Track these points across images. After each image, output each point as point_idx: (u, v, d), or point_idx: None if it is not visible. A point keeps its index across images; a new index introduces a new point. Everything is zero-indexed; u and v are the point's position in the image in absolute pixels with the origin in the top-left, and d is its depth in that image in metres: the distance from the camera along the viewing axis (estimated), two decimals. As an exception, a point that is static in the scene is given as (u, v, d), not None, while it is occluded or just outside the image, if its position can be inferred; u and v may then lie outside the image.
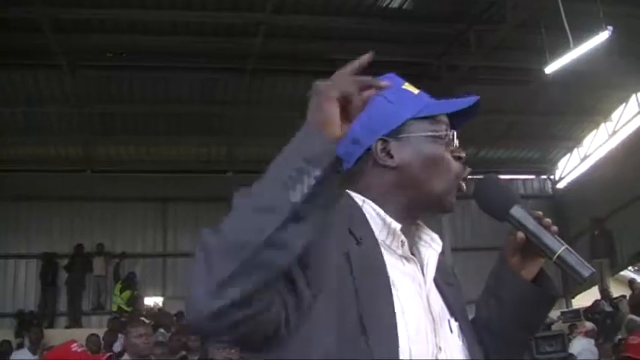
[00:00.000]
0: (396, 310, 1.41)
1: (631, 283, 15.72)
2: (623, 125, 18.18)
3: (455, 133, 1.65)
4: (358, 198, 1.57)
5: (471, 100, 1.64)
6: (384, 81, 1.44)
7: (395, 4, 13.07)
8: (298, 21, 13.43)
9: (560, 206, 20.45)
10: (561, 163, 20.94)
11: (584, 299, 16.71)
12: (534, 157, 20.63)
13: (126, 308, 15.84)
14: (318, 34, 13.93)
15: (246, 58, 14.27)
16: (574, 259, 1.50)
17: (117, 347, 11.17)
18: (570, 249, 1.51)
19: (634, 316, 12.52)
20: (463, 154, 1.65)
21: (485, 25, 13.51)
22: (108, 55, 14.27)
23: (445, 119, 1.64)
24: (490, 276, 1.72)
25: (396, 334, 1.38)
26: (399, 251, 1.53)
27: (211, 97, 15.89)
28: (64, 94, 15.14)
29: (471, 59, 14.11)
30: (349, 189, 1.60)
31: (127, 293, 16.33)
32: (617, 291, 16.37)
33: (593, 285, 16.49)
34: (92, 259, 16.88)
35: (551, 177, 21.26)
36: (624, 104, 18.05)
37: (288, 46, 14.06)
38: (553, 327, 12.91)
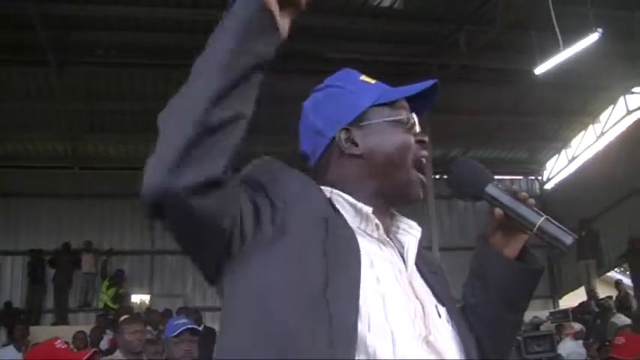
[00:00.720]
0: (373, 290, 1.38)
1: (617, 284, 15.81)
2: (611, 127, 18.29)
3: (416, 117, 1.65)
4: (326, 190, 1.55)
5: (428, 83, 1.67)
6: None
7: (386, 4, 13.08)
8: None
9: (547, 207, 20.48)
10: (549, 164, 21.04)
11: (571, 300, 16.79)
12: (522, 157, 20.71)
13: (112, 305, 15.80)
14: (309, 32, 13.92)
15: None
16: (554, 229, 1.48)
17: (103, 344, 11.15)
18: (550, 219, 1.50)
19: (620, 315, 12.62)
20: (425, 138, 1.64)
21: (475, 25, 13.55)
22: (97, 52, 14.20)
23: (405, 104, 1.65)
24: (473, 259, 1.71)
25: (357, 308, 1.32)
26: (375, 234, 1.51)
27: (201, 94, 15.84)
28: (51, 90, 15.05)
29: (461, 59, 14.15)
30: (319, 181, 1.59)
31: (112, 290, 16.30)
32: (603, 292, 16.46)
33: (580, 286, 16.59)
34: (80, 256, 16.81)
35: (539, 178, 21.34)
36: (612, 106, 18.16)
37: (279, 45, 14.02)
38: (541, 327, 12.97)
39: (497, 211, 1.58)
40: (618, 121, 18.06)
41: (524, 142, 19.67)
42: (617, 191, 16.79)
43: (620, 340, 5.65)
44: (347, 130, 1.60)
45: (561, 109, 17.71)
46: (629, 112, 17.74)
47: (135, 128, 16.89)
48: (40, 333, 12.37)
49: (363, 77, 1.69)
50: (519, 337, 11.01)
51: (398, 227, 1.63)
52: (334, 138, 1.60)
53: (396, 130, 1.60)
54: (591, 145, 19.04)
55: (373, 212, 1.51)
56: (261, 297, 1.33)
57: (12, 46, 13.41)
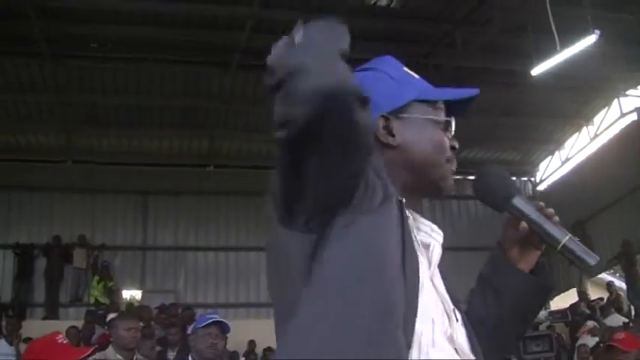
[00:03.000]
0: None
1: (609, 285, 15.85)
2: (605, 129, 18.31)
3: (453, 122, 1.64)
4: None
5: (472, 91, 1.64)
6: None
7: (382, 3, 13.08)
8: (285, 17, 13.39)
9: (540, 208, 20.57)
10: (542, 166, 21.06)
11: (562, 301, 16.79)
12: (516, 158, 20.72)
13: (103, 301, 15.76)
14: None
15: (231, 53, 14.23)
16: (579, 248, 1.49)
17: (94, 340, 11.12)
18: (574, 238, 1.51)
19: (616, 315, 12.70)
20: (456, 144, 1.64)
21: (472, 26, 13.54)
22: (92, 45, 14.16)
23: (443, 106, 1.63)
24: (486, 267, 1.70)
25: (417, 292, 1.34)
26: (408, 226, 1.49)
27: (195, 90, 15.82)
28: (45, 83, 15.01)
29: (456, 59, 14.15)
30: None
31: (104, 283, 16.28)
32: (594, 294, 16.51)
33: (571, 287, 16.62)
34: (72, 251, 16.75)
35: (532, 179, 21.37)
36: (606, 108, 18.18)
37: (275, 41, 13.96)
38: (540, 327, 13.02)
39: (523, 225, 1.58)
40: (612, 124, 18.08)
41: (518, 143, 19.68)
42: (611, 193, 16.84)
43: (620, 335, 5.74)
44: (386, 118, 1.56)
45: (555, 110, 17.72)
46: (623, 115, 17.77)
47: (129, 122, 16.86)
48: (31, 327, 12.32)
49: (406, 69, 1.67)
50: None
51: (419, 228, 1.57)
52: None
53: (435, 130, 1.60)
54: (585, 147, 19.06)
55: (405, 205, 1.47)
56: (373, 259, 1.30)
57: (5, 37, 13.34)
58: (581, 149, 19.20)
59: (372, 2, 13.04)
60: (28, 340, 10.94)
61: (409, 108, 1.58)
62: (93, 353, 3.88)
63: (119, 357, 5.42)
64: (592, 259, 1.47)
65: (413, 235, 1.48)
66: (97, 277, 16.40)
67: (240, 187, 16.81)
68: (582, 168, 18.80)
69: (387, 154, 1.55)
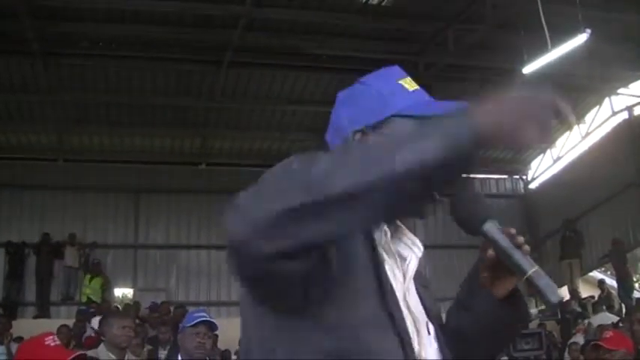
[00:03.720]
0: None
1: (600, 283, 15.91)
2: (596, 128, 18.36)
3: None
4: None
5: (458, 106, 1.48)
6: None
7: (374, 1, 13.07)
8: (277, 15, 13.39)
9: (531, 206, 20.62)
10: (534, 164, 21.10)
11: (554, 299, 16.85)
12: (507, 156, 20.75)
13: (95, 299, 15.73)
14: (296, 28, 13.90)
15: (223, 51, 14.20)
16: (543, 283, 1.43)
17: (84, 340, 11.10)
18: (541, 271, 1.44)
19: (606, 313, 12.74)
20: None
21: (464, 24, 13.56)
22: (83, 44, 14.11)
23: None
24: (462, 286, 1.67)
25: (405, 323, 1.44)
26: (382, 241, 1.51)
27: (187, 88, 15.79)
28: (37, 82, 14.95)
29: (448, 57, 14.16)
30: None
31: (97, 280, 16.24)
32: (585, 291, 16.56)
33: (563, 285, 16.65)
34: (63, 249, 16.70)
35: (524, 177, 21.41)
36: (598, 107, 18.23)
37: (267, 40, 14.01)
38: (530, 325, 13.05)
39: (490, 252, 1.52)
40: (603, 122, 18.14)
41: (509, 142, 19.68)
42: (602, 191, 16.89)
43: (608, 333, 5.76)
44: (363, 132, 1.55)
45: (547, 109, 17.75)
46: (614, 113, 17.82)
47: (121, 121, 16.82)
48: (22, 326, 12.28)
49: (404, 81, 1.62)
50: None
51: (400, 240, 1.58)
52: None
53: None
54: (576, 145, 19.11)
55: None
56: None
57: (-3, 36, 13.32)
58: (573, 148, 19.24)
59: (364, 0, 13.02)
60: (19, 339, 10.92)
61: (389, 123, 1.54)
62: (80, 357, 3.83)
63: (111, 356, 5.41)
64: (554, 297, 1.42)
65: (384, 253, 1.51)
66: (88, 276, 16.36)
67: (232, 185, 16.52)
68: (574, 166, 18.85)
69: None
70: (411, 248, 1.57)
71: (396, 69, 1.65)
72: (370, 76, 1.65)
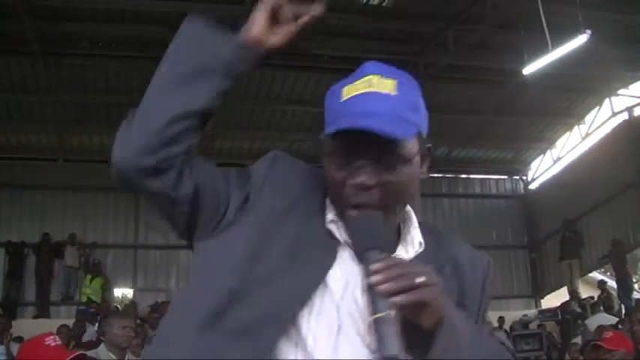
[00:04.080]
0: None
1: (601, 284, 15.90)
2: (596, 128, 18.38)
3: (353, 156, 1.44)
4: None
5: (367, 123, 1.40)
6: None
7: (375, 1, 13.07)
8: (277, 15, 13.39)
9: (531, 207, 20.63)
10: (534, 164, 21.11)
11: (553, 300, 16.86)
12: (507, 157, 20.77)
13: (95, 299, 15.74)
14: (296, 28, 13.90)
15: (223, 50, 14.19)
16: (385, 331, 1.28)
17: (85, 339, 11.10)
18: (391, 319, 1.29)
19: (603, 314, 12.73)
20: (358, 182, 1.43)
21: (464, 24, 13.56)
22: (83, 43, 14.11)
23: (344, 141, 1.43)
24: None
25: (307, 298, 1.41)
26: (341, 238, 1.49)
27: (187, 88, 15.78)
28: (37, 82, 14.95)
29: (448, 58, 14.16)
30: None
31: (97, 280, 16.27)
32: (586, 292, 16.56)
33: (563, 286, 16.67)
34: (63, 249, 16.72)
35: (524, 178, 21.41)
36: (598, 107, 18.24)
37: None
38: (530, 325, 13.08)
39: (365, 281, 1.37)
40: (603, 123, 18.15)
41: (509, 142, 19.72)
42: (602, 192, 16.90)
43: (608, 334, 5.75)
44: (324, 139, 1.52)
45: (547, 109, 17.77)
46: (614, 114, 17.84)
47: (121, 121, 16.74)
48: (22, 326, 12.28)
49: (349, 87, 1.50)
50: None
51: (404, 238, 1.57)
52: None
53: (330, 167, 1.48)
54: (576, 146, 19.12)
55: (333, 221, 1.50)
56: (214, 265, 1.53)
57: (-3, 36, 13.31)
58: (573, 148, 19.26)
59: (364, 1, 13.02)
60: (18, 339, 10.92)
61: (324, 143, 1.49)
62: (80, 358, 3.84)
63: (112, 356, 5.42)
64: (389, 349, 1.26)
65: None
66: (89, 276, 16.37)
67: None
68: (574, 167, 18.86)
69: None
70: (405, 247, 1.55)
71: (366, 67, 1.54)
72: (330, 90, 1.58)
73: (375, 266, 1.32)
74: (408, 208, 1.59)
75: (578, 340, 11.54)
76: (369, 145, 1.41)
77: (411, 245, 1.55)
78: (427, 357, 1.36)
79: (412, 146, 1.47)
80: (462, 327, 1.38)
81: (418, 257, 1.53)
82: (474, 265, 1.60)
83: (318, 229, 1.50)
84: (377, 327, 1.29)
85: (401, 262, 1.40)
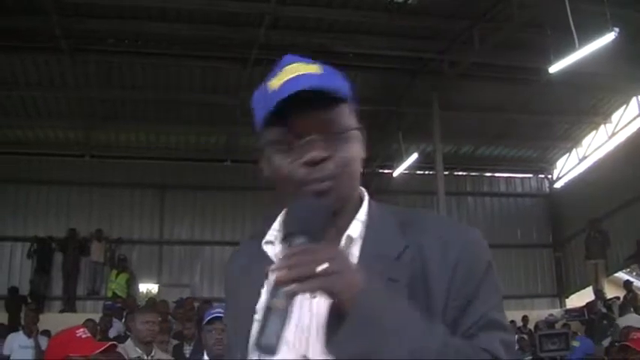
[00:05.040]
0: None
1: (627, 284, 15.76)
2: (623, 127, 18.19)
3: (298, 135, 1.40)
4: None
5: (300, 83, 1.37)
6: None
7: (400, -1, 13.05)
8: (303, 13, 13.43)
9: (556, 206, 20.51)
10: (559, 163, 20.97)
11: (578, 299, 16.75)
12: (533, 155, 20.66)
13: (120, 294, 15.89)
14: (322, 26, 13.93)
15: (249, 48, 14.25)
16: (270, 320, 1.23)
17: (112, 333, 11.23)
18: (282, 312, 1.23)
19: (633, 315, 12.63)
20: (309, 157, 1.38)
21: (490, 22, 13.50)
22: (110, 40, 14.23)
23: (285, 119, 1.40)
24: None
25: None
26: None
27: (213, 86, 15.88)
28: (64, 78, 15.11)
29: (473, 56, 14.10)
30: None
31: (123, 276, 16.43)
32: (611, 292, 16.43)
33: (588, 285, 16.54)
34: (89, 244, 16.89)
35: (549, 176, 21.29)
36: (625, 106, 18.06)
37: (292, 37, 14.05)
38: (556, 325, 13.01)
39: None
40: (630, 122, 17.96)
41: (534, 141, 19.62)
42: (628, 192, 16.73)
43: (636, 335, 5.70)
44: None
45: (573, 108, 17.64)
46: (641, 113, 17.67)
47: (147, 117, 16.95)
48: (49, 320, 12.44)
49: (274, 80, 1.44)
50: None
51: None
52: None
53: (275, 156, 1.42)
54: (602, 145, 18.96)
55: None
56: None
57: (25, 33, 13.45)
58: (599, 147, 19.10)
59: (390, -1, 13.02)
60: (45, 332, 11.07)
61: (262, 137, 1.45)
62: (111, 349, 3.92)
63: (138, 350, 5.50)
64: (263, 339, 1.22)
65: None
66: (115, 271, 16.54)
67: (257, 182, 16.86)
68: (599, 166, 18.70)
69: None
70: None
71: (285, 59, 1.49)
72: (257, 91, 1.51)
73: (289, 254, 1.27)
74: (363, 195, 1.52)
75: (608, 341, 11.47)
76: (312, 117, 1.38)
77: (350, 233, 1.45)
78: (326, 347, 1.29)
79: (351, 117, 1.45)
80: (381, 320, 1.26)
81: (365, 246, 1.43)
82: (445, 247, 1.42)
83: (256, 272, 1.48)
84: (265, 316, 1.23)
85: (310, 249, 1.27)
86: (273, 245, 1.49)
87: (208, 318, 4.95)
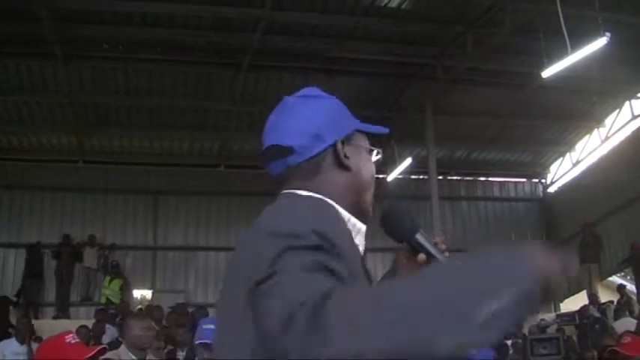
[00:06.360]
0: None
1: (620, 288, 15.78)
2: (616, 131, 18.25)
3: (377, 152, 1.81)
4: (324, 201, 1.60)
5: (385, 130, 1.83)
6: None
7: (393, 4, 13.07)
8: (297, 18, 13.43)
9: (550, 210, 20.54)
10: (553, 167, 21.01)
11: (572, 303, 16.75)
12: (526, 160, 20.69)
13: (114, 300, 15.85)
14: (316, 31, 13.94)
15: (243, 54, 14.26)
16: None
17: (105, 339, 11.18)
18: None
19: (628, 319, 12.63)
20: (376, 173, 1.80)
21: (483, 27, 13.53)
22: (104, 46, 14.22)
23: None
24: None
25: None
26: (361, 249, 1.66)
27: (207, 91, 15.87)
28: (57, 84, 15.08)
29: (467, 61, 14.13)
30: (295, 183, 1.64)
31: (116, 282, 16.38)
32: (604, 296, 16.45)
33: (581, 290, 16.56)
34: (82, 250, 16.84)
35: (543, 181, 21.32)
36: (618, 110, 18.12)
37: (286, 43, 14.07)
38: (548, 330, 12.99)
39: (422, 257, 1.67)
40: (623, 126, 18.02)
41: (528, 145, 19.65)
42: (621, 196, 16.77)
43: (626, 339, 5.68)
44: (343, 142, 1.68)
45: (566, 112, 17.69)
46: (634, 117, 17.70)
47: (141, 123, 16.94)
48: (42, 326, 12.40)
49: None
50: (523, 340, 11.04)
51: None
52: (333, 145, 1.66)
53: (370, 159, 1.77)
54: (596, 149, 19.01)
55: None
56: None
57: (18, 38, 13.43)
58: (592, 151, 19.15)
59: (383, 3, 13.04)
60: (38, 339, 11.01)
61: (354, 136, 1.73)
62: (103, 352, 3.90)
63: (132, 357, 5.47)
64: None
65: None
66: (108, 277, 16.49)
67: (251, 187, 16.87)
68: (593, 170, 18.75)
69: (341, 176, 1.67)
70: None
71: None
72: (323, 92, 1.76)
73: (437, 239, 1.71)
74: None
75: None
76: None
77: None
78: None
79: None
80: None
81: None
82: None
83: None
84: None
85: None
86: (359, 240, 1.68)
87: (198, 342, 4.98)
